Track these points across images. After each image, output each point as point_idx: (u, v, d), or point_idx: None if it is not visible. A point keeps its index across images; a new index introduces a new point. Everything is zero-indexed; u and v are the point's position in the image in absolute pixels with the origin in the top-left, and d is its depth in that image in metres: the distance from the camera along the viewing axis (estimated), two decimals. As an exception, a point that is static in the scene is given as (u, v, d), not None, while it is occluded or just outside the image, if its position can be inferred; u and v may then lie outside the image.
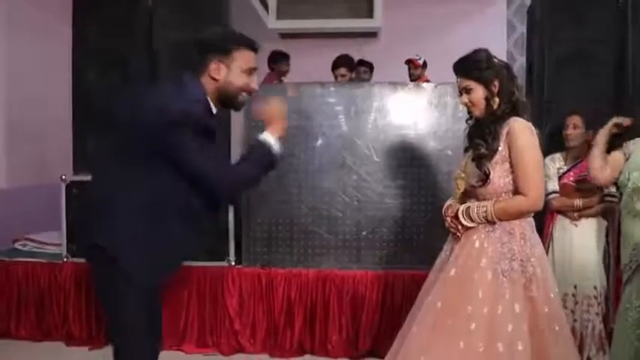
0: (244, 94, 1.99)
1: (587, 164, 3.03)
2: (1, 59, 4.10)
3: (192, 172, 1.85)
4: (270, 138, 2.00)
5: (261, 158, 2.01)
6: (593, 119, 3.08)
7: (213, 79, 1.93)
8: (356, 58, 4.89)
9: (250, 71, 1.98)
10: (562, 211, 3.09)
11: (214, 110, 1.97)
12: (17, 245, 3.82)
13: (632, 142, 2.68)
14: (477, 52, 2.10)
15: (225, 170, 2.01)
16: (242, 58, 1.95)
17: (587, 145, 3.08)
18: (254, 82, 2.00)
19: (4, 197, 4.04)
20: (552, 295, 2.03)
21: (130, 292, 1.87)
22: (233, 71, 1.94)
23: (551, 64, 3.48)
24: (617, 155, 2.69)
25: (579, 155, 3.10)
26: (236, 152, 3.40)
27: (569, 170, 3.10)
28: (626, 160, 2.63)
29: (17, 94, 4.23)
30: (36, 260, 3.58)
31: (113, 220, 1.87)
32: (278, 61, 4.91)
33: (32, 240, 3.84)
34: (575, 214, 3.05)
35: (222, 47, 1.94)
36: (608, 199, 3.00)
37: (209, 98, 1.95)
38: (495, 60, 2.09)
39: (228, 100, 1.99)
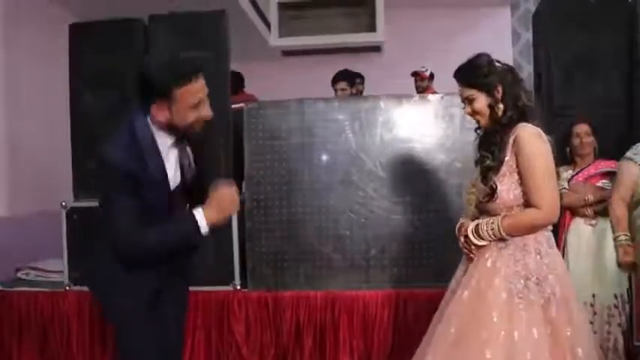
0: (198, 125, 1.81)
1: (593, 169, 2.99)
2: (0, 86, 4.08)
3: (108, 221, 1.82)
4: (202, 219, 1.78)
5: (181, 237, 1.83)
6: (605, 125, 3.04)
7: (158, 121, 1.76)
8: None
9: (199, 104, 1.75)
10: (575, 211, 2.95)
11: (167, 144, 1.83)
12: (20, 274, 3.73)
13: None
14: (477, 57, 1.99)
15: (138, 236, 1.79)
16: (186, 95, 1.71)
17: (594, 152, 3.03)
18: (205, 111, 1.78)
19: (7, 225, 3.98)
20: (575, 316, 1.89)
21: (128, 326, 1.93)
22: (177, 112, 1.73)
23: (559, 71, 3.39)
24: (631, 169, 2.60)
25: (587, 162, 3.03)
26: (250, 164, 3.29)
27: (576, 174, 3.02)
28: None
29: (17, 121, 4.21)
30: (38, 290, 3.49)
31: (93, 261, 2.01)
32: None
33: (35, 268, 3.75)
34: (589, 211, 2.90)
35: (160, 89, 1.70)
36: None
37: (159, 133, 1.80)
38: (498, 64, 1.98)
39: (182, 135, 1.83)
